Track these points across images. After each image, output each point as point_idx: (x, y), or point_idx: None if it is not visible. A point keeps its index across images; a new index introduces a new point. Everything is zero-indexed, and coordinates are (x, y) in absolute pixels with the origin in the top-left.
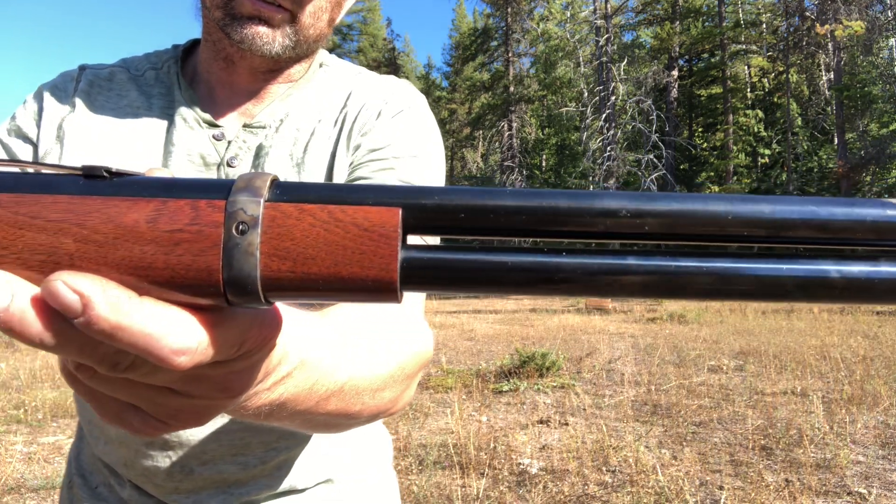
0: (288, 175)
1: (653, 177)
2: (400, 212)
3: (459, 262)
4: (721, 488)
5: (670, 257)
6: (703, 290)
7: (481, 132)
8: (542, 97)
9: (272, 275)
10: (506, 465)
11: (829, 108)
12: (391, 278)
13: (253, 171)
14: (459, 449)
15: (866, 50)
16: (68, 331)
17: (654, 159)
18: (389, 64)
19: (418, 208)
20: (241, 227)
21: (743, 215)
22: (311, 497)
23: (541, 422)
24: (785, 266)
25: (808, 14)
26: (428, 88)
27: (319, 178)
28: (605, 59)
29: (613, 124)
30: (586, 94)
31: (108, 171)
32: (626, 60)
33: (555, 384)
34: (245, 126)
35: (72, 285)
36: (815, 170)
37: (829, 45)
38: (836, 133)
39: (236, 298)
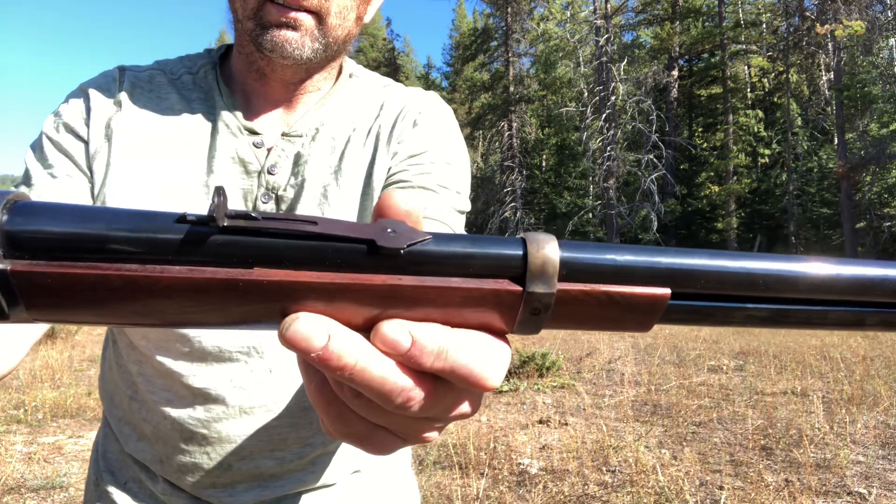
0: (327, 181)
1: (653, 177)
2: (669, 293)
3: (710, 310)
4: (721, 488)
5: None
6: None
7: (481, 132)
8: (542, 97)
9: (545, 329)
10: (506, 465)
11: (829, 108)
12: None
13: (293, 178)
14: (459, 449)
15: (866, 50)
16: (381, 369)
17: (654, 159)
18: (389, 64)
19: (682, 289)
20: (535, 310)
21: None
22: (341, 488)
23: (541, 422)
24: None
25: (808, 14)
26: (428, 88)
27: (357, 183)
28: (605, 59)
29: (613, 124)
30: (586, 94)
31: (393, 248)
32: (626, 60)
33: (555, 384)
34: (283, 135)
35: (400, 325)
36: (815, 170)
37: (829, 45)
38: (836, 133)
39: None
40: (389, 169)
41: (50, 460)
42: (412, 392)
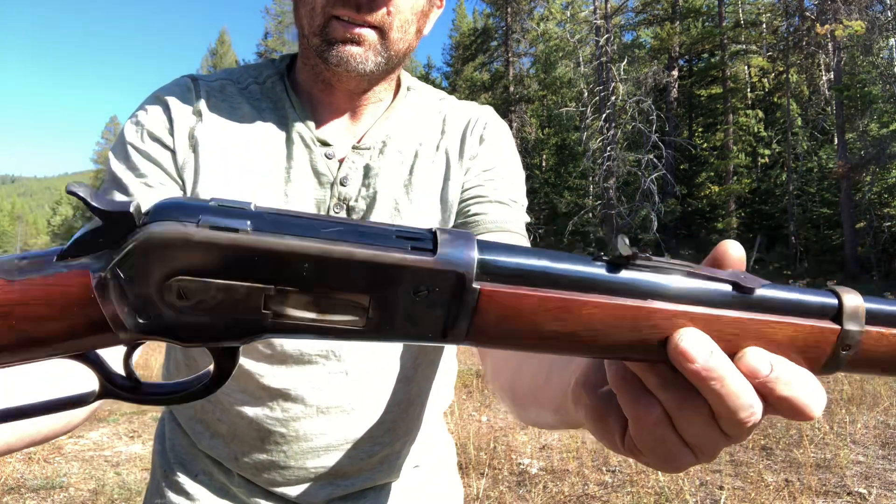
0: (398, 195)
1: (653, 177)
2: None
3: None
4: (721, 488)
5: None
6: None
7: None
8: (542, 97)
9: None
10: (506, 465)
11: (829, 108)
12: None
13: (364, 190)
14: (459, 449)
15: (866, 50)
16: (740, 386)
17: (654, 159)
18: None
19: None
20: (846, 347)
21: None
22: (402, 483)
23: None
24: None
25: (808, 14)
26: None
27: (431, 198)
28: (605, 59)
29: (613, 124)
30: (586, 94)
31: (750, 288)
32: (626, 60)
33: None
34: (353, 148)
35: (763, 354)
36: (815, 170)
37: (829, 45)
38: (836, 133)
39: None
40: (464, 184)
41: (50, 460)
42: (753, 409)
